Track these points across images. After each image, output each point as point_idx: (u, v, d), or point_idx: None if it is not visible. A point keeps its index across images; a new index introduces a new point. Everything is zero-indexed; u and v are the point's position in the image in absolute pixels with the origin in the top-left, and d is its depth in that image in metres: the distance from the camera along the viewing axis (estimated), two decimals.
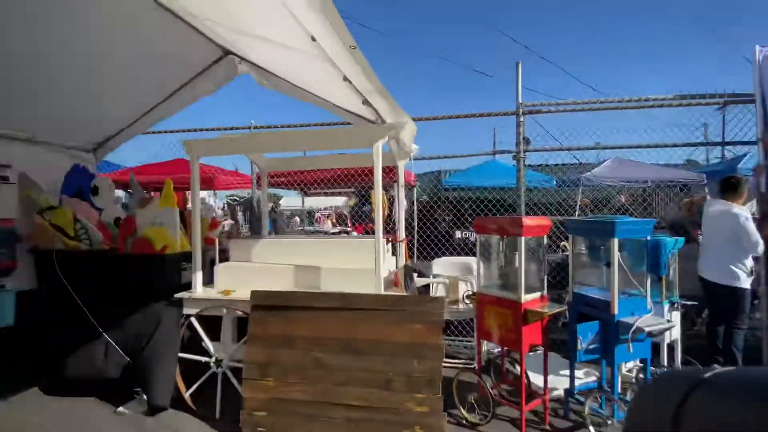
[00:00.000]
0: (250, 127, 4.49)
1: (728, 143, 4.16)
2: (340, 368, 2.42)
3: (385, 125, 2.95)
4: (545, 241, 2.82)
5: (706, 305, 3.74)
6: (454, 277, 3.78)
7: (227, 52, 3.52)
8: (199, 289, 3.04)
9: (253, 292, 2.64)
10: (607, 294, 2.62)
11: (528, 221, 2.58)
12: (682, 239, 3.00)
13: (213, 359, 2.98)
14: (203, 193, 9.14)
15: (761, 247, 3.18)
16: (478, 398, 2.85)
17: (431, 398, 2.32)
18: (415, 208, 6.11)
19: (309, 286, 2.85)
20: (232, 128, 4.49)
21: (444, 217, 7.70)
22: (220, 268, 3.10)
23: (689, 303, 3.05)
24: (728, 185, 3.46)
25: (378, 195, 2.74)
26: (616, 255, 2.50)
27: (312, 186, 6.06)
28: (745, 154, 7.39)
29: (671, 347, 3.23)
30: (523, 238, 2.56)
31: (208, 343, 3.01)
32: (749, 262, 3.28)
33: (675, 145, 4.16)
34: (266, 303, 2.61)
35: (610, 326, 2.52)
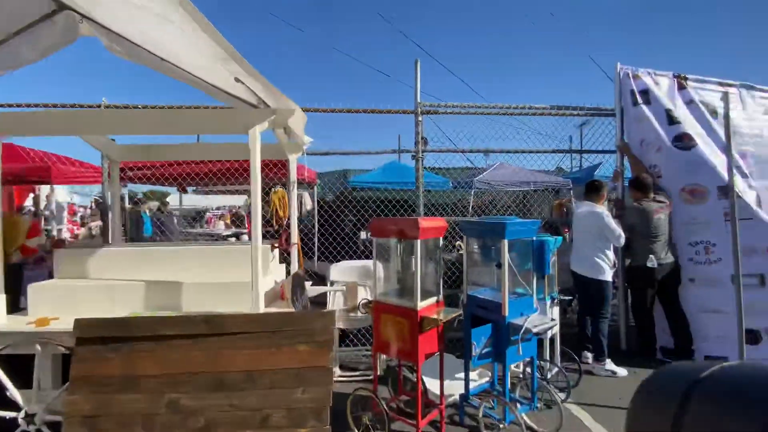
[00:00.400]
0: (100, 106, 3.56)
1: (593, 151, 4.69)
2: (203, 411, 1.92)
3: (265, 109, 2.51)
4: (441, 242, 2.69)
5: (577, 297, 4.11)
6: (353, 282, 3.49)
7: (63, 6, 2.66)
8: (0, 319, 2.20)
9: (77, 321, 1.95)
10: (498, 295, 2.59)
11: (424, 223, 2.40)
12: (560, 238, 3.18)
13: (22, 413, 2.17)
14: (46, 189, 7.28)
15: (623, 239, 3.56)
16: (374, 417, 2.59)
17: (319, 431, 1.97)
18: (316, 207, 5.70)
19: (165, 308, 2.26)
20: (74, 105, 3.49)
21: (349, 218, 7.44)
22: (34, 289, 2.29)
23: (565, 298, 3.25)
24: (592, 188, 3.84)
25: (256, 191, 2.28)
26: (507, 256, 2.47)
27: (190, 181, 5.19)
28: (600, 163, 8.65)
29: (552, 340, 3.42)
30: (419, 241, 2.37)
31: (13, 392, 2.19)
32: (611, 256, 3.67)
33: (553, 151, 4.52)
34: (98, 334, 1.95)
35: (502, 328, 2.48)
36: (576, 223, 3.88)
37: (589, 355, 3.73)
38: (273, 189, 6.89)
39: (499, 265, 2.50)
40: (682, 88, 4.15)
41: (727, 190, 3.58)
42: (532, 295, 2.70)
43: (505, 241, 2.46)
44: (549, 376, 3.17)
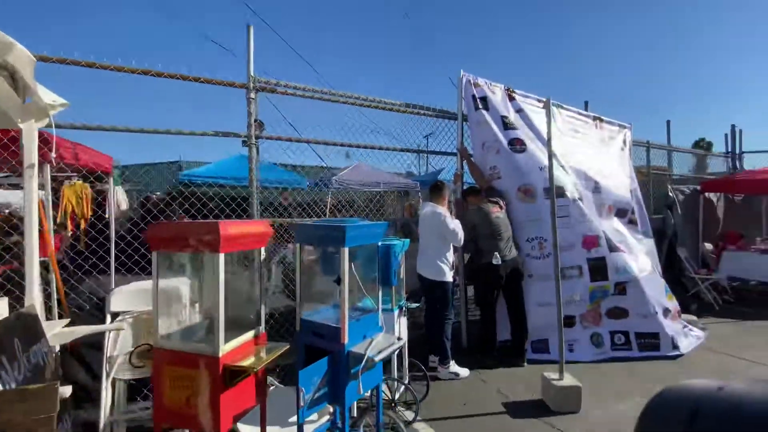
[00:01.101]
0: None
1: (440, 153, 4.67)
2: None
3: None
4: (263, 254, 1.98)
5: (424, 300, 3.96)
6: (141, 313, 2.45)
7: None
8: None
9: None
10: (338, 316, 2.02)
11: (231, 229, 1.65)
12: (407, 240, 2.86)
13: None
14: None
15: (461, 238, 3.49)
16: None
17: None
18: (113, 206, 4.23)
19: None
20: None
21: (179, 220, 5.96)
22: None
23: (414, 305, 2.96)
24: (434, 189, 3.72)
25: None
26: (347, 269, 1.93)
27: None
28: (443, 168, 9.27)
29: (400, 352, 3.08)
30: (220, 256, 1.61)
31: None
32: (451, 257, 3.58)
33: (401, 149, 4.29)
34: None
35: (340, 361, 1.93)
36: (420, 225, 3.70)
37: (436, 359, 3.58)
38: (68, 181, 4.95)
39: (339, 281, 1.94)
40: (511, 99, 4.44)
41: (558, 189, 3.94)
42: (378, 311, 2.24)
43: (346, 249, 1.91)
44: (397, 396, 2.81)
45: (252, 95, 3.27)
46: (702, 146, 15.92)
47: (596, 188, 4.42)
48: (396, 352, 2.74)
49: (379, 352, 2.02)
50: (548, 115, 3.21)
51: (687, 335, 4.17)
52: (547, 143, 3.24)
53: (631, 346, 3.81)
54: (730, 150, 7.58)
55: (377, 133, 4.21)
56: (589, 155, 4.68)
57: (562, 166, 4.18)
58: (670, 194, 6.40)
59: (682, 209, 6.37)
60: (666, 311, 4.07)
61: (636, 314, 3.89)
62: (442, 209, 3.58)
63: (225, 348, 1.67)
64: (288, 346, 1.94)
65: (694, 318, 4.83)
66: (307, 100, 3.75)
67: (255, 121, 3.30)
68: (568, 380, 2.98)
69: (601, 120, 5.19)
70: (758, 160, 7.66)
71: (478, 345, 4.01)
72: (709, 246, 6.64)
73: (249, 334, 1.86)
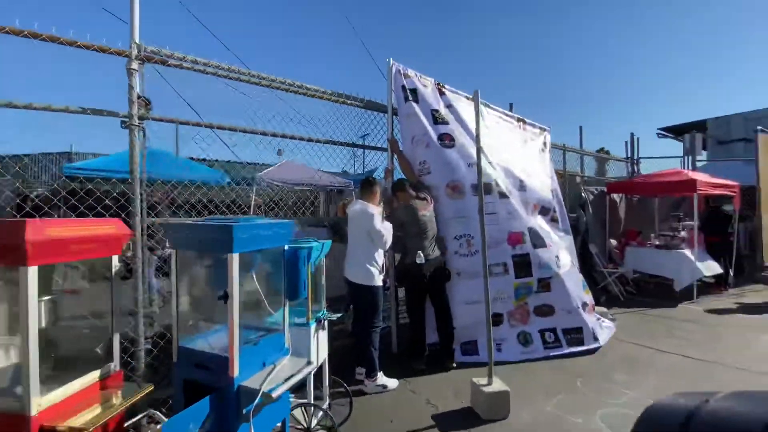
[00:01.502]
0: None
1: (372, 147, 4.36)
2: None
3: None
4: (117, 263, 1.47)
5: (352, 306, 3.61)
6: None
7: None
8: None
9: None
10: (226, 342, 1.58)
11: (49, 231, 1.14)
12: (329, 242, 2.49)
13: None
14: None
15: (387, 242, 3.21)
16: None
17: None
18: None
19: None
20: None
21: None
22: None
23: (335, 316, 2.58)
24: (365, 185, 3.41)
25: None
26: (236, 281, 1.50)
27: None
28: (376, 168, 9.03)
29: (320, 369, 2.69)
30: (28, 270, 1.09)
31: None
32: (381, 260, 3.29)
33: (327, 141, 3.89)
34: None
35: (228, 399, 1.49)
36: (349, 224, 3.36)
37: (363, 371, 3.25)
38: None
39: (225, 297, 1.51)
40: (442, 93, 4.28)
41: (485, 186, 3.84)
42: (284, 330, 1.84)
43: (234, 256, 1.48)
44: (314, 423, 2.42)
45: (135, 66, 2.64)
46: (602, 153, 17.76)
47: (522, 186, 4.45)
48: (313, 373, 2.35)
49: (284, 381, 1.62)
50: (476, 107, 3.06)
51: (602, 327, 4.36)
52: (476, 138, 3.09)
53: (561, 343, 3.85)
54: (629, 155, 8.41)
55: (302, 124, 3.77)
56: (515, 154, 4.71)
57: (490, 163, 4.12)
58: (583, 195, 6.85)
59: (592, 209, 6.85)
60: (584, 305, 4.21)
61: (561, 310, 3.95)
62: (373, 208, 3.27)
63: (43, 401, 1.15)
64: (151, 387, 1.45)
65: (605, 309, 5.13)
66: (218, 82, 3.21)
67: (139, 98, 2.67)
68: (497, 385, 2.84)
69: (524, 122, 5.31)
70: (653, 165, 8.58)
71: (408, 350, 3.77)
72: (613, 242, 7.25)
73: (91, 376, 1.34)
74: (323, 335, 2.52)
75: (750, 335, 4.33)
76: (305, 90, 3.60)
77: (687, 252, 6.15)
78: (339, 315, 2.65)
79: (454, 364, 3.60)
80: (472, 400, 2.93)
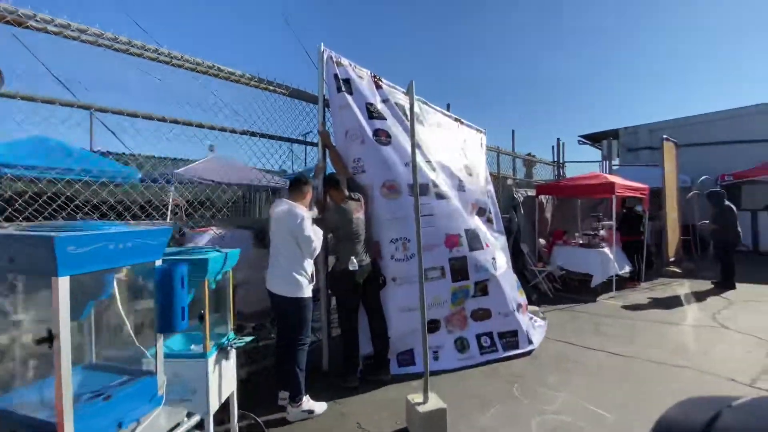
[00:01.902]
0: None
1: (303, 142, 3.92)
2: None
3: None
4: None
5: (275, 321, 3.18)
6: None
7: None
8: None
9: None
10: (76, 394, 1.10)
11: None
12: (235, 252, 2.05)
13: None
14: None
15: (317, 250, 2.83)
16: None
17: None
18: None
19: None
20: None
21: None
22: None
23: (244, 341, 2.14)
24: (294, 184, 3.00)
25: None
26: (65, 317, 1.04)
27: None
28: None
29: (226, 401, 2.24)
30: None
31: None
32: (310, 267, 2.90)
33: (243, 132, 3.40)
34: None
35: None
36: (272, 226, 2.92)
37: (287, 395, 2.84)
38: None
39: (50, 338, 1.03)
40: (378, 87, 3.99)
41: (422, 186, 3.60)
42: (156, 371, 1.39)
43: (60, 281, 1.02)
44: None
45: None
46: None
47: (461, 186, 4.33)
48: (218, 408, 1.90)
49: None
50: (411, 100, 2.80)
51: (534, 327, 4.38)
52: (411, 134, 2.83)
53: (497, 348, 3.74)
54: (555, 159, 8.89)
55: (225, 114, 3.22)
56: (454, 154, 4.59)
57: (429, 162, 3.91)
58: (515, 196, 7.03)
59: (523, 210, 7.06)
60: (519, 306, 4.19)
61: (498, 313, 3.86)
62: (302, 209, 2.86)
63: None
64: None
65: (537, 308, 5.23)
66: (116, 58, 2.60)
67: None
68: (433, 402, 2.60)
69: (462, 122, 5.23)
70: (576, 168, 9.14)
71: (342, 362, 3.41)
72: (542, 241, 7.55)
73: None
74: (229, 365, 2.07)
75: (662, 329, 4.63)
76: (217, 71, 3.08)
77: (607, 250, 6.56)
78: (249, 339, 2.21)
79: (389, 376, 3.33)
80: (408, 420, 2.66)
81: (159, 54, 2.81)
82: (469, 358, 3.58)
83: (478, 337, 3.69)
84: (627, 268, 7.01)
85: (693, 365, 3.51)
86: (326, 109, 3.70)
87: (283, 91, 3.56)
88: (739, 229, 6.50)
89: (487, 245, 4.10)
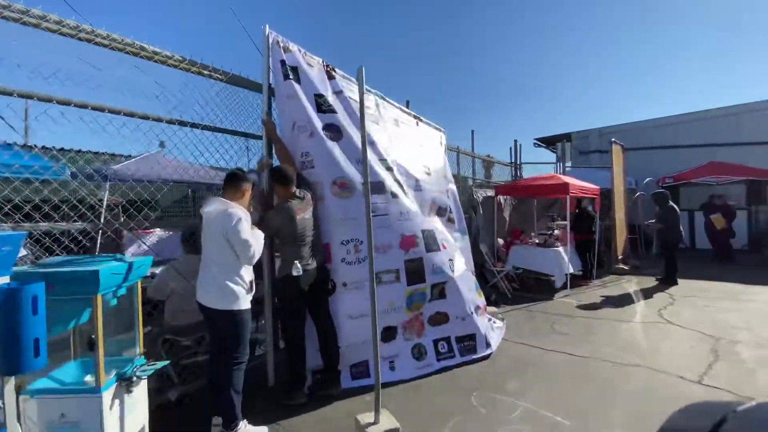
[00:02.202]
0: None
1: (244, 134, 3.53)
2: None
3: None
4: None
5: (209, 337, 2.80)
6: None
7: None
8: None
9: None
10: None
11: None
12: (147, 259, 1.69)
13: None
14: None
15: (255, 254, 2.49)
16: None
17: None
18: None
19: None
20: None
21: None
22: None
23: (154, 366, 1.78)
24: (229, 179, 2.63)
25: None
26: None
27: None
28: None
29: None
30: None
31: None
32: (248, 275, 2.56)
33: (177, 122, 2.99)
34: None
35: None
36: (203, 229, 2.54)
37: (220, 421, 2.48)
38: None
39: None
40: (331, 77, 3.71)
41: (375, 185, 3.35)
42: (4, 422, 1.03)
43: None
44: None
45: None
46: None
47: (418, 186, 4.14)
48: None
49: None
50: (360, 88, 2.55)
51: (493, 329, 4.29)
52: (361, 125, 2.58)
53: (454, 353, 3.58)
54: (513, 161, 9.02)
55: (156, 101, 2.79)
56: (412, 152, 4.40)
57: (384, 160, 3.68)
58: (475, 196, 7.00)
59: (482, 210, 7.04)
60: (477, 309, 4.07)
61: (455, 317, 3.70)
62: (238, 209, 2.50)
63: None
64: None
65: (496, 309, 5.17)
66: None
67: None
68: (385, 422, 2.36)
69: (421, 120, 5.06)
70: (532, 170, 9.32)
71: (288, 379, 3.08)
72: (501, 241, 7.59)
73: None
74: (136, 397, 1.71)
75: (615, 326, 4.71)
76: (138, 50, 2.65)
77: (561, 250, 6.68)
78: (162, 364, 1.85)
79: (340, 387, 3.06)
80: None
81: (80, 31, 2.37)
82: (427, 366, 3.38)
83: (436, 342, 3.51)
84: (580, 266, 7.20)
85: (645, 363, 3.53)
86: (273, 98, 3.36)
87: (220, 76, 3.17)
88: (682, 228, 6.86)
89: (445, 246, 3.95)
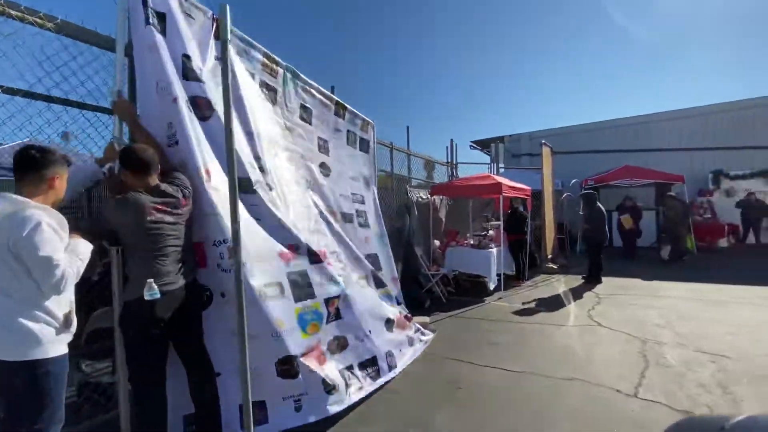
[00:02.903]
0: None
1: (76, 104, 2.60)
2: None
3: None
4: None
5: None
6: None
7: None
8: None
9: None
10: None
11: None
12: None
13: None
14: None
15: (62, 279, 1.65)
16: None
17: None
18: None
19: None
20: None
21: None
22: None
23: None
24: (19, 163, 1.72)
25: None
26: None
27: None
28: None
29: None
30: None
31: None
32: (62, 307, 1.71)
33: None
34: None
35: None
36: None
37: None
38: None
39: None
40: (218, 37, 2.90)
41: (245, 182, 2.60)
42: None
43: None
44: None
45: None
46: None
47: (316, 186, 3.55)
48: None
49: None
50: (223, 32, 1.85)
51: (413, 343, 3.78)
52: (224, 95, 1.88)
53: (362, 383, 2.96)
54: (449, 160, 8.78)
55: None
56: (318, 145, 3.78)
57: (259, 157, 2.82)
58: (409, 196, 6.54)
59: (417, 211, 6.61)
60: (389, 322, 3.51)
61: (354, 338, 3.05)
62: (36, 210, 1.65)
63: None
64: None
65: (426, 319, 4.69)
66: None
67: None
68: None
69: (345, 108, 4.43)
70: (468, 170, 9.18)
71: None
72: (437, 242, 7.24)
73: None
74: None
75: (548, 332, 4.47)
76: None
77: (495, 251, 6.46)
78: None
79: None
80: None
81: None
82: (339, 402, 2.73)
83: (342, 372, 2.87)
84: (513, 267, 7.09)
85: (580, 375, 3.23)
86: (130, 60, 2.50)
87: (49, 25, 2.25)
88: (607, 228, 7.03)
89: (347, 256, 3.39)
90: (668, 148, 12.53)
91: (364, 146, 4.73)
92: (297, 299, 2.65)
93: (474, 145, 16.13)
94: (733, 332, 4.20)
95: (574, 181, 10.71)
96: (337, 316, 2.95)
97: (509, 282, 6.80)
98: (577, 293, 6.23)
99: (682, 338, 4.06)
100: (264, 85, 3.28)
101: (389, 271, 4.23)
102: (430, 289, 6.16)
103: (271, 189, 2.83)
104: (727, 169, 11.63)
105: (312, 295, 2.77)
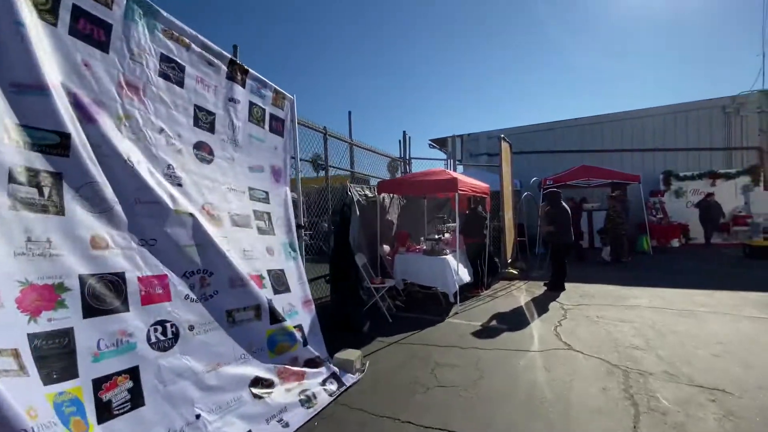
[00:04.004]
0: None
1: None
2: None
3: None
4: None
5: None
6: None
7: None
8: None
9: None
10: None
11: None
12: None
13: None
14: None
15: None
16: None
17: None
18: None
19: None
20: None
21: None
22: None
23: None
24: None
25: None
26: None
27: None
28: None
29: None
30: None
31: None
32: None
33: None
34: None
35: None
36: None
37: None
38: None
39: None
40: None
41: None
42: None
43: None
44: None
45: None
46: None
47: (180, 184, 2.39)
48: None
49: None
50: None
51: (312, 400, 2.61)
52: None
53: None
54: (402, 155, 7.78)
55: None
56: (195, 117, 2.59)
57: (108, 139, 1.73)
58: (349, 194, 5.42)
59: (360, 210, 5.50)
60: (257, 384, 2.38)
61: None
62: None
63: None
64: None
65: (355, 354, 3.51)
66: None
67: None
68: None
69: (246, 71, 3.25)
70: (423, 166, 8.24)
71: None
72: (387, 248, 6.18)
73: None
74: None
75: (511, 362, 3.52)
76: None
77: (450, 258, 5.50)
78: None
79: None
80: None
81: None
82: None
83: None
84: (471, 275, 6.18)
85: None
86: None
87: None
88: (572, 230, 6.30)
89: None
90: (623, 149, 12.35)
91: (277, 126, 3.56)
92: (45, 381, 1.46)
93: (433, 144, 15.34)
94: (717, 354, 3.47)
95: (534, 179, 10.11)
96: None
97: (468, 289, 5.86)
98: (540, 304, 5.40)
99: (666, 365, 3.26)
100: (74, 10, 2.04)
101: (299, 291, 3.09)
102: (374, 304, 5.07)
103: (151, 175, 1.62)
104: (676, 170, 11.58)
105: (75, 375, 1.58)
